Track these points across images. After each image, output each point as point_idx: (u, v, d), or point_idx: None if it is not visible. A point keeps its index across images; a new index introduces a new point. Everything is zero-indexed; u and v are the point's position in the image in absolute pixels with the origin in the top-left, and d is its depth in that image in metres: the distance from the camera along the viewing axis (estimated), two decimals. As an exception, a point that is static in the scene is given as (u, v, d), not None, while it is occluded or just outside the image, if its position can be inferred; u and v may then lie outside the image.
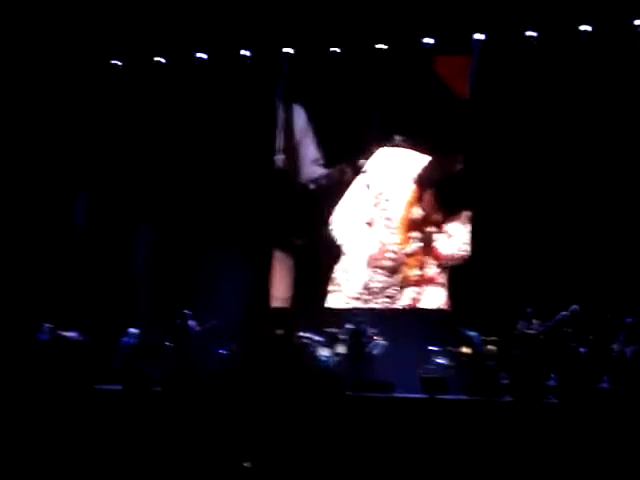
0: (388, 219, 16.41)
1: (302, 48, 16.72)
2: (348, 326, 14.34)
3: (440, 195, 16.18)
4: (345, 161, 16.72)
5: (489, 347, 13.87)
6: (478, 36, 15.72)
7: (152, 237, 17.00)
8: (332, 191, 16.79)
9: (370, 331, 14.24)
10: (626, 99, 14.91)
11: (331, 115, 16.62)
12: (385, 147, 16.57)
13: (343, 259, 16.58)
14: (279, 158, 16.95)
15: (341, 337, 14.20)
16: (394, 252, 16.25)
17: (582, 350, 13.35)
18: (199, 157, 17.16)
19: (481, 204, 15.72)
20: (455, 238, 15.99)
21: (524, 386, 12.76)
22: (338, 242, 16.61)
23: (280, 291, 16.62)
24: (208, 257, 16.26)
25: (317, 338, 14.34)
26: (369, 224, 16.50)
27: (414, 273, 16.12)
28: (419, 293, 16.04)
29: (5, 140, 17.42)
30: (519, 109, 15.55)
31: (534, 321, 14.19)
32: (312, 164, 16.91)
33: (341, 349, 13.99)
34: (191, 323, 15.36)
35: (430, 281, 16.05)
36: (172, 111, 17.24)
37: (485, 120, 15.81)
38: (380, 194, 16.60)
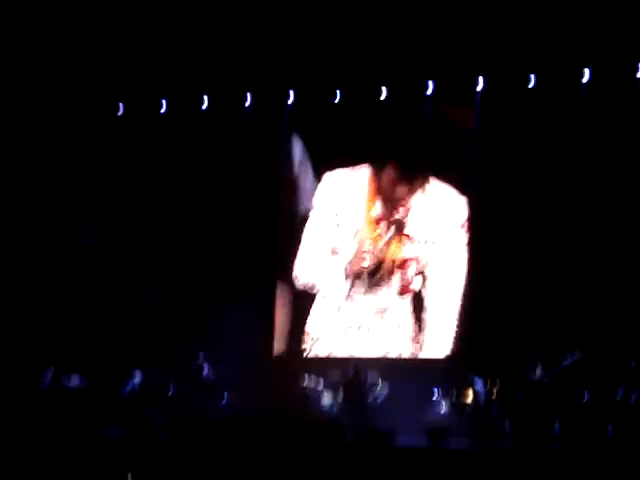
0: (354, 232, 16.48)
1: (304, 92, 16.82)
2: (350, 373, 14.31)
3: (400, 165, 16.24)
4: None
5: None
6: (480, 83, 15.85)
7: (155, 279, 17.07)
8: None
9: (372, 378, 14.21)
10: (627, 145, 14.93)
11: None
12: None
13: (317, 301, 16.58)
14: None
15: (342, 385, 14.17)
16: (370, 250, 16.22)
17: (586, 396, 13.30)
18: (202, 199, 17.22)
19: (485, 248, 15.69)
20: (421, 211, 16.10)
21: (528, 433, 12.70)
22: (309, 286, 16.65)
23: (280, 324, 16.59)
24: (212, 299, 16.32)
25: (317, 386, 14.32)
26: (334, 252, 16.53)
27: (398, 257, 16.16)
28: (408, 277, 16.05)
29: (12, 183, 17.56)
30: (521, 152, 15.59)
31: (538, 367, 14.12)
32: (311, 197, 16.92)
33: (343, 397, 13.96)
34: (204, 366, 15.34)
35: (414, 259, 16.13)
36: (176, 155, 17.33)
37: (488, 162, 15.86)
38: (335, 215, 16.68)
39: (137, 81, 17.20)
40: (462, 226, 15.83)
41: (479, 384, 13.89)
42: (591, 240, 15.03)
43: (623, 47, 14.71)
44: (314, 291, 16.46)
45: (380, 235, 16.11)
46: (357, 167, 16.59)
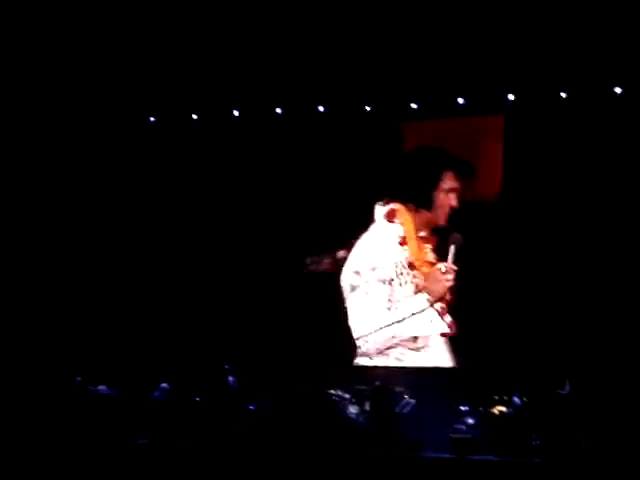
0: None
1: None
2: (377, 383, 14.24)
3: None
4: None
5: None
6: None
7: (181, 288, 17.18)
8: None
9: (399, 389, 14.14)
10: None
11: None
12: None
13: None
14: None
15: (369, 394, 14.11)
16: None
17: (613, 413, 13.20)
18: (232, 210, 17.31)
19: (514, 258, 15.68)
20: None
21: (556, 448, 12.60)
22: None
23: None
24: (245, 309, 16.39)
25: (346, 395, 14.26)
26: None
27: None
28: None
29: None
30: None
31: (566, 382, 14.05)
32: None
33: (369, 406, 13.90)
34: (230, 379, 15.34)
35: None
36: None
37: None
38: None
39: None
40: None
41: (513, 397, 13.80)
42: (616, 251, 15.07)
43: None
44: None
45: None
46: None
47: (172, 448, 13.29)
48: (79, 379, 16.02)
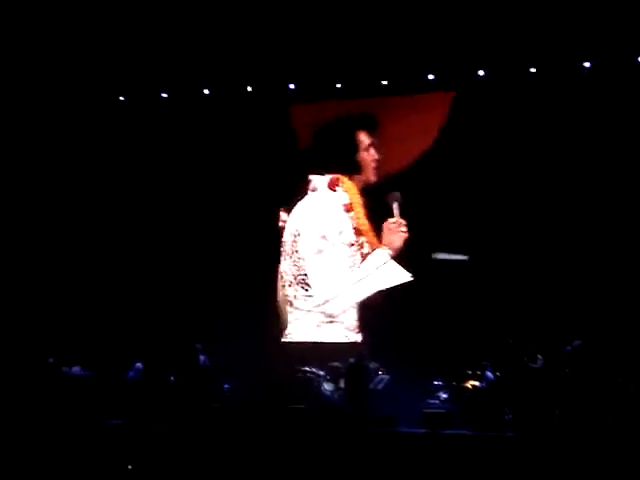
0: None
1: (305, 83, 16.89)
2: (351, 360, 14.34)
3: None
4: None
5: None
6: (481, 72, 15.97)
7: (151, 270, 17.13)
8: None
9: (373, 365, 14.25)
10: (628, 137, 15.03)
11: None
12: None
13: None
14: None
15: (344, 371, 14.20)
16: None
17: (586, 384, 13.37)
18: (198, 193, 17.32)
19: (476, 240, 15.75)
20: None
21: (528, 421, 12.74)
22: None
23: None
24: (214, 290, 16.36)
25: (320, 372, 14.34)
26: None
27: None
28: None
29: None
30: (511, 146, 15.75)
31: (538, 356, 14.19)
32: None
33: (344, 383, 13.99)
34: (201, 357, 15.37)
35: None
36: (173, 151, 17.49)
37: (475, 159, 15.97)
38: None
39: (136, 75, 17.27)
40: None
41: (486, 371, 13.95)
42: (589, 228, 15.17)
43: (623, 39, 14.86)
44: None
45: None
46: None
47: (146, 428, 13.31)
48: (52, 360, 16.03)
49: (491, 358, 14.29)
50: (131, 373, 15.37)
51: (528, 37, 15.09)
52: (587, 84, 15.31)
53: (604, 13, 14.51)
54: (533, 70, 15.56)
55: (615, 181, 15.21)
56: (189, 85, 17.28)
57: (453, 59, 15.70)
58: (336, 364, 14.44)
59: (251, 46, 16.22)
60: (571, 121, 15.47)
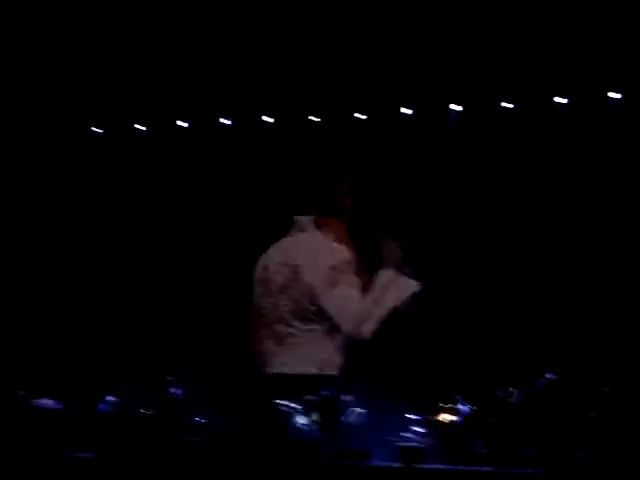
0: None
1: (282, 116, 16.96)
2: (324, 393, 14.24)
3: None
4: None
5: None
6: (455, 107, 16.09)
7: (127, 301, 17.03)
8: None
9: (347, 398, 14.18)
10: (601, 171, 15.16)
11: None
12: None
13: None
14: None
15: (317, 404, 14.09)
16: None
17: (559, 419, 13.36)
18: (180, 217, 17.31)
19: (457, 270, 15.79)
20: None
21: (503, 455, 12.71)
22: None
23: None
24: (189, 322, 16.29)
25: (294, 405, 14.22)
26: None
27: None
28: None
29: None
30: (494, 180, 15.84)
31: (511, 389, 14.17)
32: None
33: (318, 417, 13.89)
34: (173, 391, 15.23)
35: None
36: (151, 180, 17.48)
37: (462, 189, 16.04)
38: None
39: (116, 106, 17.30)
40: None
41: (460, 405, 13.89)
42: (563, 259, 15.24)
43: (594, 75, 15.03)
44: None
45: None
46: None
47: (119, 461, 13.17)
48: (21, 393, 15.83)
49: (464, 391, 14.25)
50: (102, 405, 15.21)
51: (502, 73, 15.28)
52: (561, 119, 15.50)
53: (577, 49, 14.71)
54: (507, 105, 15.75)
55: (589, 216, 15.31)
56: (167, 117, 17.39)
57: (428, 94, 15.85)
58: (309, 397, 14.33)
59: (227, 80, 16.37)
60: (545, 155, 15.60)
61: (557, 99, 15.44)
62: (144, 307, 16.89)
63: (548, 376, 13.87)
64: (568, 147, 15.39)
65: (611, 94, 15.11)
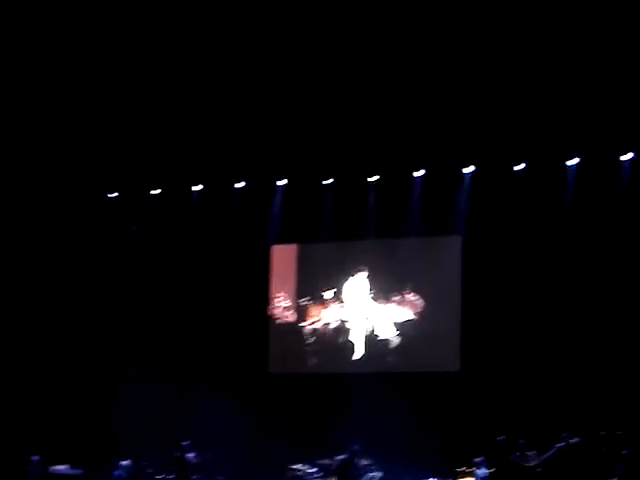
0: None
1: (295, 180, 17.14)
2: (341, 457, 14.11)
3: None
4: None
5: None
6: (467, 169, 16.20)
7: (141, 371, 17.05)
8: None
9: (364, 462, 14.02)
10: (614, 231, 15.18)
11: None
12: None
13: None
14: None
15: (335, 469, 13.97)
16: None
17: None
18: (190, 291, 17.48)
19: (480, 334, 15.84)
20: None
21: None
22: None
23: None
24: (200, 389, 16.29)
25: (311, 470, 14.12)
26: None
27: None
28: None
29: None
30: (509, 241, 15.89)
31: (529, 453, 13.97)
32: None
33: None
34: (189, 455, 15.10)
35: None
36: (165, 245, 17.70)
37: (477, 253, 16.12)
38: None
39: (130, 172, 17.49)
40: None
41: (481, 467, 13.72)
42: (582, 322, 15.25)
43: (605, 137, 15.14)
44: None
45: None
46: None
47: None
48: (36, 458, 15.67)
49: (483, 454, 14.11)
50: (117, 472, 15.06)
51: (515, 136, 15.42)
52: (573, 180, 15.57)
53: (589, 112, 14.85)
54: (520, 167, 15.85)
55: (594, 285, 15.32)
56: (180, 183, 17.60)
57: (442, 156, 15.99)
58: (326, 461, 14.24)
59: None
60: (559, 216, 15.63)
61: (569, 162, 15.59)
62: (159, 371, 16.92)
63: (569, 439, 13.65)
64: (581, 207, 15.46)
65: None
